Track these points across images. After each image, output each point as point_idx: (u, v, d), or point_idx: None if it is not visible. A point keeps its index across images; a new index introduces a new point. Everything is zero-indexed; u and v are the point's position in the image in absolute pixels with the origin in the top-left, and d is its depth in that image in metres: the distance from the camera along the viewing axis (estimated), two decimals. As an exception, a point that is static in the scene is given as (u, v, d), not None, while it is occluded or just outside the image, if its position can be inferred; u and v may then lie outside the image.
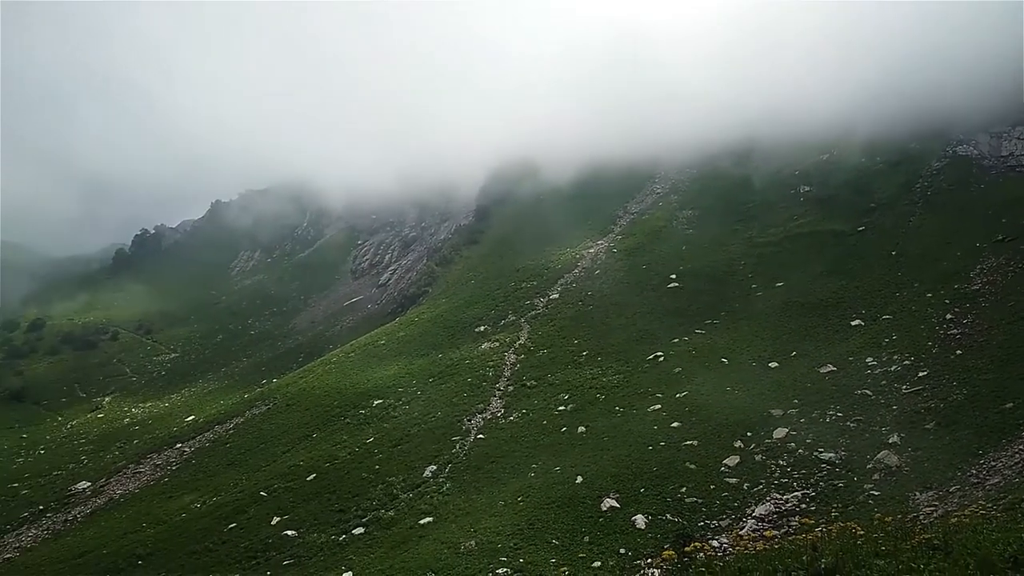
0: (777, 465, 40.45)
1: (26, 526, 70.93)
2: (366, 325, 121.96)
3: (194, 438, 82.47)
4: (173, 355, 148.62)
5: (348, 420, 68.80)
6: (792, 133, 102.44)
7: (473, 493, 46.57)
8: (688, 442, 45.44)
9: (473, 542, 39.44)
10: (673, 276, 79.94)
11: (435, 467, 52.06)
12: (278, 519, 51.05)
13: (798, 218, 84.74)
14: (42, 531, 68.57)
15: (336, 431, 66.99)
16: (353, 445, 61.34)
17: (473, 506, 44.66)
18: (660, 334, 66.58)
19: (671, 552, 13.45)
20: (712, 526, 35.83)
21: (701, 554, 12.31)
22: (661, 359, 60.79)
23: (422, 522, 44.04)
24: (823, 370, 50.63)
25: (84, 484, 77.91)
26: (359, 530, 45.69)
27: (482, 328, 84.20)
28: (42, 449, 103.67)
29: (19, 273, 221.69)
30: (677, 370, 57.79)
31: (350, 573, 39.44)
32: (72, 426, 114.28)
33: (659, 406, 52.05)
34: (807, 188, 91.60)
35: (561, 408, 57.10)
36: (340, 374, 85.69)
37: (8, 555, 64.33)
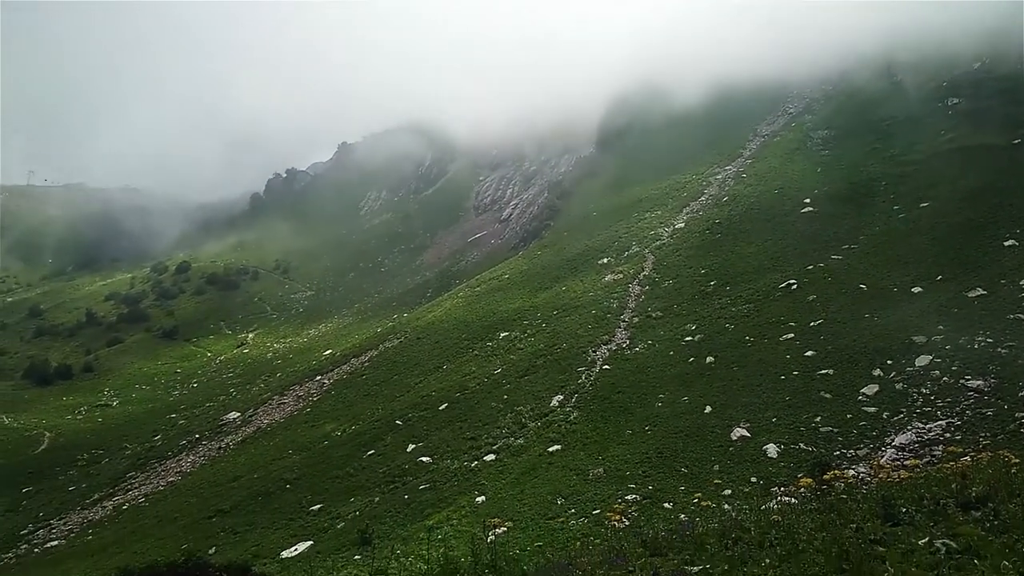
0: (919, 393, 38.54)
1: (185, 452, 77.35)
2: (490, 260, 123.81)
3: (332, 370, 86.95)
4: (309, 293, 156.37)
5: (476, 352, 70.49)
6: (938, 41, 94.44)
7: (600, 422, 46.96)
8: (823, 371, 43.93)
9: (601, 469, 39.95)
10: (807, 200, 76.36)
11: (562, 397, 52.70)
12: (413, 446, 53.32)
13: (946, 133, 78.61)
14: (199, 457, 74.58)
15: (465, 363, 68.85)
16: (482, 376, 62.92)
17: (600, 434, 45.08)
18: (793, 261, 64.07)
19: (809, 480, 13.13)
20: (849, 455, 34.74)
21: (840, 482, 11.92)
22: (794, 287, 58.63)
23: (550, 449, 44.87)
24: (971, 294, 47.41)
25: (234, 414, 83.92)
26: (490, 457, 47.08)
27: (605, 260, 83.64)
28: (195, 383, 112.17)
29: (168, 218, 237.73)
30: (811, 298, 55.61)
31: (483, 497, 40.80)
32: (220, 361, 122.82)
33: (792, 335, 50.41)
34: (956, 100, 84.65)
35: (688, 339, 56.29)
36: (467, 308, 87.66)
37: (171, 478, 70.52)
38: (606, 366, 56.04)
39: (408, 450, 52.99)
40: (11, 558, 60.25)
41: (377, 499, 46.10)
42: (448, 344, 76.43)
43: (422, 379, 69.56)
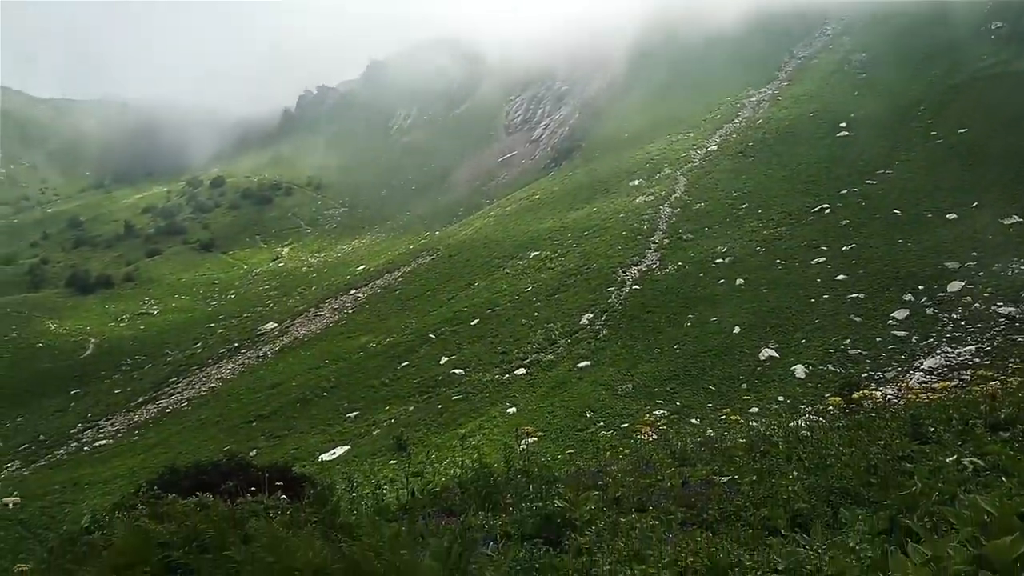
0: (950, 319, 38.53)
1: (224, 360, 79.71)
2: (521, 180, 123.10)
3: (366, 285, 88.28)
4: (341, 209, 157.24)
5: (507, 270, 71.04)
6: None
7: (629, 340, 47.59)
8: (854, 295, 43.90)
9: (630, 385, 40.78)
10: (843, 124, 74.56)
11: (591, 315, 53.28)
12: (446, 359, 54.57)
13: (987, 58, 75.59)
14: (238, 365, 76.86)
15: (496, 280, 69.52)
16: (512, 294, 63.62)
17: (629, 352, 45.78)
18: (827, 185, 63.10)
19: (837, 398, 13.49)
20: (877, 378, 35.08)
21: (868, 402, 12.25)
22: (827, 211, 57.93)
23: (580, 365, 45.74)
24: (1007, 221, 46.62)
25: (271, 325, 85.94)
26: (521, 371, 48.15)
27: (636, 182, 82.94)
28: (232, 294, 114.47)
29: (202, 134, 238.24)
30: (844, 222, 55.00)
31: (514, 408, 41.96)
32: (256, 273, 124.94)
33: (824, 259, 50.18)
34: (999, 25, 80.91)
35: (719, 261, 56.23)
36: (498, 227, 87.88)
37: (211, 384, 72.93)
38: (636, 286, 56.34)
39: (441, 363, 54.25)
40: (63, 455, 63.32)
41: (411, 408, 47.61)
42: (479, 262, 77.02)
43: (454, 295, 70.47)
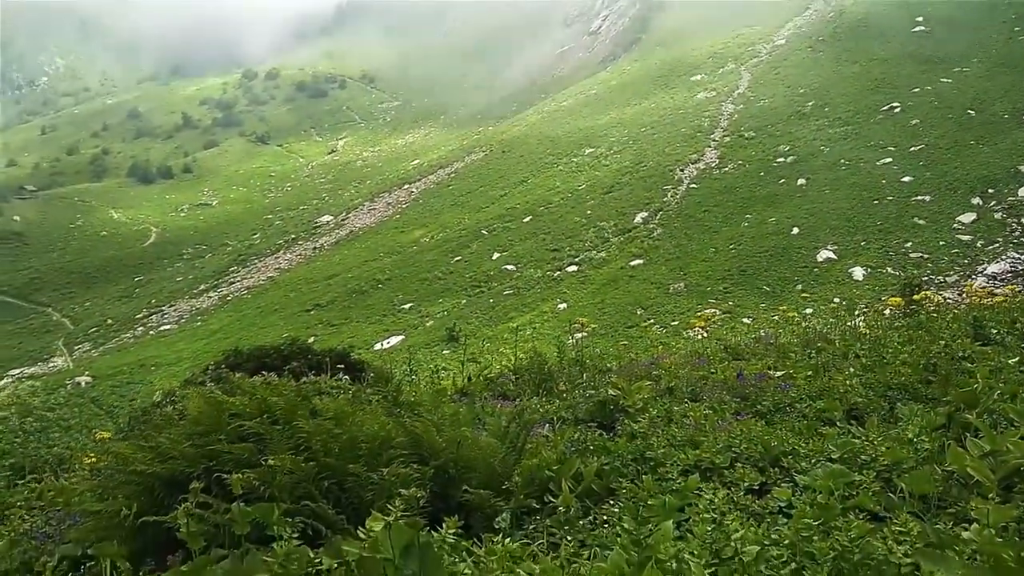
0: (1019, 224, 37.13)
1: (282, 251, 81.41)
2: (578, 74, 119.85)
3: (420, 180, 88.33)
4: (395, 103, 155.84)
5: (561, 167, 70.22)
6: None
7: (683, 239, 47.08)
8: (919, 197, 42.44)
9: (682, 284, 40.60)
10: (920, 19, 70.31)
11: (646, 214, 52.67)
12: (498, 255, 54.86)
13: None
14: (295, 256, 78.47)
15: (550, 177, 68.86)
16: (566, 191, 63.07)
17: (683, 251, 45.37)
18: (899, 83, 60.12)
19: (897, 299, 13.24)
20: (937, 281, 34.26)
21: (929, 303, 12.00)
22: (897, 110, 55.43)
23: (632, 263, 45.57)
24: (1090, 124, 44.13)
25: (328, 217, 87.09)
26: (572, 268, 48.24)
27: (698, 77, 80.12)
28: (289, 186, 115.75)
29: (259, 25, 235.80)
30: (914, 122, 52.66)
31: (564, 304, 42.28)
32: (312, 166, 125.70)
33: (890, 159, 48.35)
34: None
35: (780, 160, 54.64)
36: (553, 123, 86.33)
37: (270, 274, 74.78)
38: (693, 185, 55.29)
39: (493, 258, 54.59)
40: (129, 338, 66.24)
41: (464, 301, 48.33)
42: (533, 159, 76.15)
43: (506, 192, 70.17)
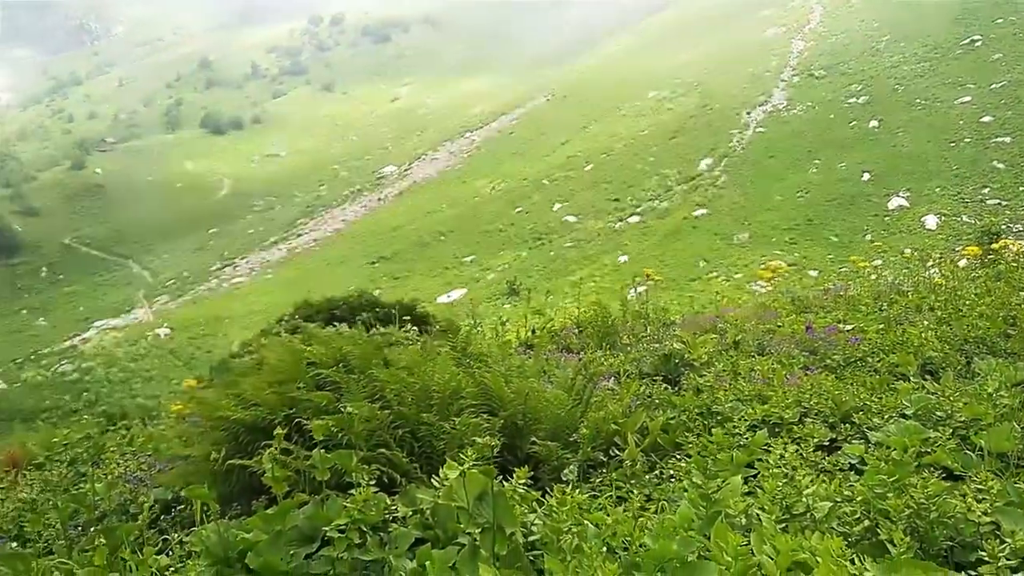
0: (1110, 168, 35.23)
1: (348, 203, 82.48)
2: (640, 14, 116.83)
3: (481, 128, 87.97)
4: (459, 47, 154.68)
5: (624, 112, 69.04)
6: None
7: (749, 187, 46.06)
8: (999, 139, 40.47)
9: (747, 234, 39.86)
10: (1008, -58, 66.09)
11: (711, 160, 51.59)
12: (559, 205, 54.58)
13: None
14: (360, 207, 79.43)
15: (612, 123, 67.82)
16: (628, 137, 62.08)
17: (748, 200, 44.42)
18: (980, 14, 56.92)
19: (975, 248, 12.77)
20: (1016, 229, 32.87)
21: (1009, 252, 11.54)
22: (978, 43, 52.59)
23: (695, 214, 44.84)
24: None
25: (391, 167, 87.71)
26: (634, 219, 47.73)
27: (767, 12, 77.32)
28: (354, 136, 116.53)
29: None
30: (996, 56, 49.92)
31: (626, 257, 41.99)
32: (376, 114, 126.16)
33: (969, 98, 46.09)
34: None
35: (852, 100, 52.63)
36: (616, 65, 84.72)
37: (336, 226, 76.00)
38: (760, 128, 53.81)
39: (554, 209, 54.34)
40: (204, 290, 68.39)
41: (524, 254, 48.41)
42: (595, 103, 74.99)
43: (568, 139, 69.43)
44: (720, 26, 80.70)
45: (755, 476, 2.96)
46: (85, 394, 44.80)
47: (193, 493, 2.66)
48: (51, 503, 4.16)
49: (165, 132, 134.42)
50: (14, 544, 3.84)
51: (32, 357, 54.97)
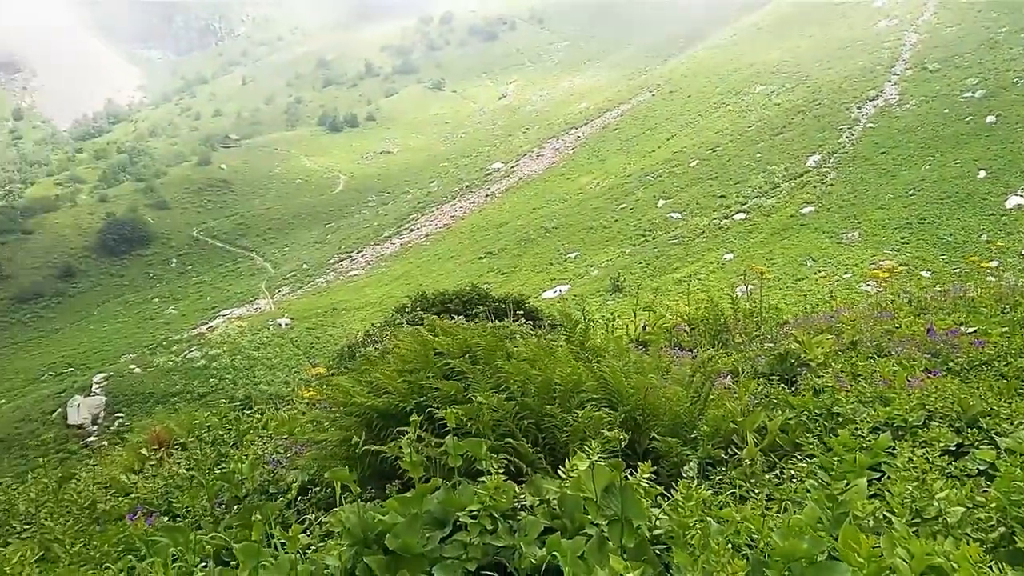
0: None
1: (457, 199, 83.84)
2: (747, 7, 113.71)
3: (586, 124, 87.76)
4: (564, 43, 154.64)
5: (730, 107, 67.53)
6: None
7: (859, 185, 44.24)
8: None
9: (856, 233, 38.33)
10: None
11: (819, 157, 49.83)
12: (663, 202, 53.90)
13: None
14: (468, 203, 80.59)
15: (718, 118, 66.44)
16: (734, 132, 60.69)
17: (858, 198, 42.67)
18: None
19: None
20: None
21: None
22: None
23: (803, 211, 43.44)
24: None
25: (498, 164, 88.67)
26: (739, 216, 46.63)
27: (879, 3, 73.93)
28: (462, 133, 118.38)
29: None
30: None
31: (731, 255, 41.08)
32: (484, 112, 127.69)
33: (1106, 89, 42.90)
34: None
35: (968, 95, 49.77)
36: (722, 58, 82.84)
37: (446, 221, 77.38)
38: (871, 124, 51.57)
39: (658, 206, 53.72)
40: (322, 282, 70.90)
41: (628, 251, 48.06)
42: (701, 98, 73.62)
43: (673, 135, 68.44)
44: (829, 19, 77.78)
45: (879, 479, 2.94)
46: (212, 380, 47.32)
47: (336, 475, 2.84)
48: (196, 481, 4.49)
49: (285, 129, 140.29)
50: (164, 518, 4.16)
51: (163, 344, 58.43)
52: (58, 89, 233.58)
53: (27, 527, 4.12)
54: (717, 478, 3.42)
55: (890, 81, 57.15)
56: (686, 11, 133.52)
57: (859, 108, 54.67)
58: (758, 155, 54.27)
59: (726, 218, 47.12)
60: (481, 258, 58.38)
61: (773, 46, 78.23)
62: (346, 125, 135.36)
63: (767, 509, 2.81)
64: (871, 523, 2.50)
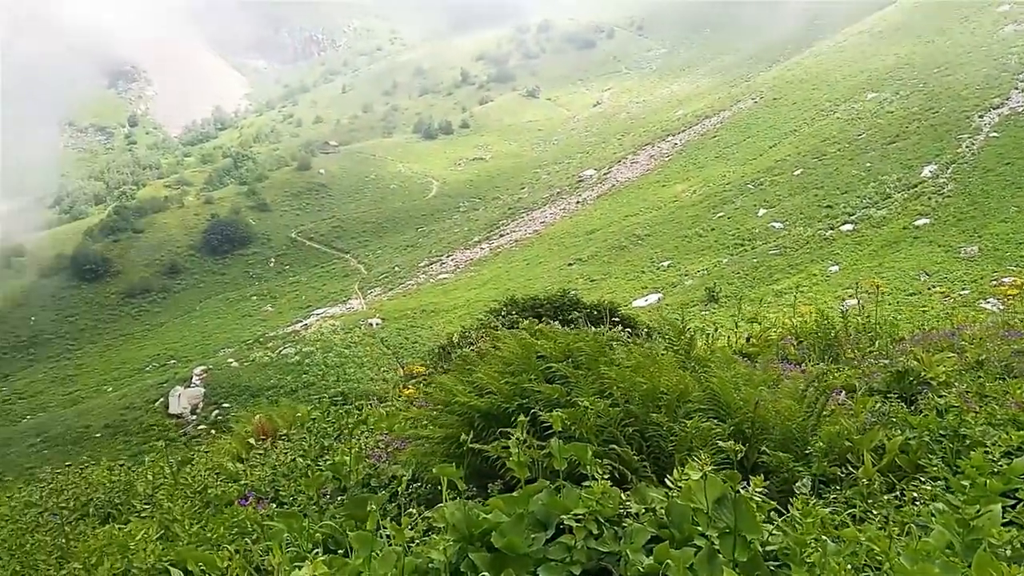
0: None
1: (547, 205, 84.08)
2: (859, 11, 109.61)
3: (683, 131, 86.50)
4: (663, 51, 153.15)
5: (839, 115, 65.27)
6: None
7: (979, 196, 41.93)
8: None
9: (976, 247, 36.35)
10: None
11: (935, 167, 47.53)
12: (764, 211, 52.52)
13: None
14: (559, 210, 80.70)
15: (825, 126, 64.34)
16: (843, 141, 58.60)
17: (978, 210, 40.45)
18: None
19: None
20: None
21: None
22: None
23: (916, 223, 41.50)
24: None
25: (591, 171, 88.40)
26: (847, 227, 44.95)
27: (1006, 7, 70.08)
28: (555, 140, 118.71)
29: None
30: None
31: (837, 267, 39.65)
32: (578, 119, 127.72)
33: None
34: None
35: (1113, 101, 46.60)
36: (831, 65, 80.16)
37: (535, 227, 77.69)
38: (994, 133, 48.86)
39: (759, 215, 52.40)
40: (412, 284, 72.35)
41: (724, 260, 47.02)
42: (807, 105, 71.42)
43: (776, 143, 66.66)
44: (949, 24, 74.15)
45: (1013, 506, 2.75)
46: (304, 376, 48.91)
47: (444, 471, 2.86)
48: (300, 471, 4.61)
49: (382, 136, 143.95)
50: (272, 505, 4.29)
51: (260, 340, 60.75)
52: (170, 97, 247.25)
53: (146, 507, 4.34)
54: (831, 497, 3.27)
55: (1017, 88, 54.10)
56: (791, 17, 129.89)
57: (981, 116, 51.94)
58: (868, 164, 52.24)
59: (832, 229, 45.51)
60: (570, 264, 58.25)
61: (886, 52, 75.23)
62: (440, 132, 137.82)
63: (890, 532, 2.66)
64: (1008, 552, 2.33)
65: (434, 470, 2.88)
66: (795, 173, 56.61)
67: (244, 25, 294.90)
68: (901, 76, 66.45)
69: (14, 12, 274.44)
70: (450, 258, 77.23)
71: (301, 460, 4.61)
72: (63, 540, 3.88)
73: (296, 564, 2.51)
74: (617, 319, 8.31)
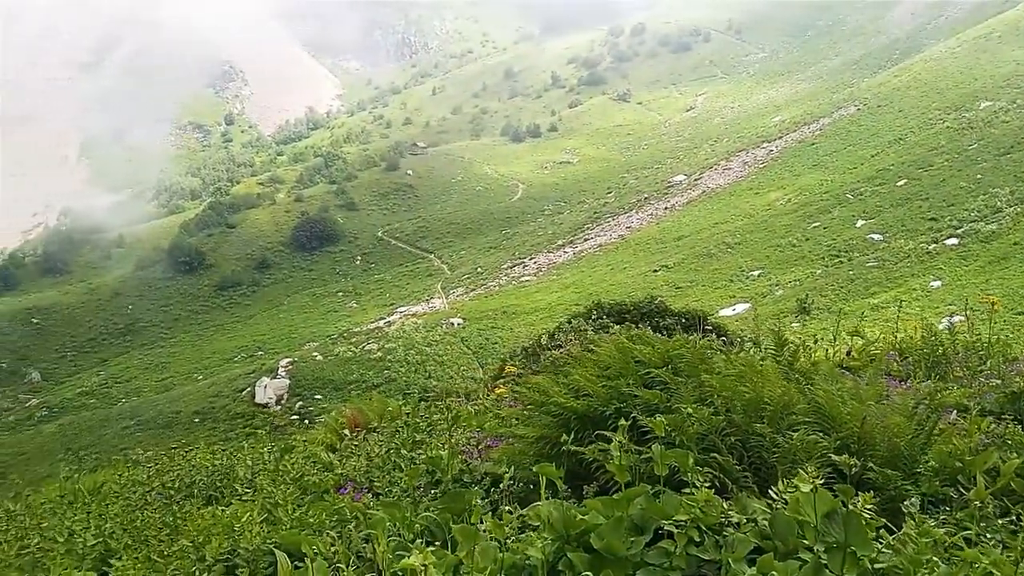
0: None
1: (634, 210, 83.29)
2: (974, 16, 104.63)
3: (780, 138, 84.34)
4: (761, 55, 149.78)
5: (948, 124, 62.45)
6: None
7: (1104, 213, 39.46)
8: None
9: (1097, 266, 34.20)
10: None
11: (1054, 180, 44.95)
12: (863, 222, 50.69)
13: None
14: (646, 215, 79.82)
15: (933, 135, 61.65)
16: (952, 151, 56.00)
17: (1102, 227, 38.07)
18: None
19: None
20: None
21: None
22: None
23: (1031, 239, 39.29)
24: None
25: (680, 177, 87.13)
26: (952, 241, 42.91)
27: None
28: (645, 144, 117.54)
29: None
30: None
31: (939, 283, 37.89)
32: (669, 124, 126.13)
33: None
34: None
35: None
36: (941, 72, 76.76)
37: (621, 232, 77.06)
38: (1125, 146, 45.89)
39: (857, 225, 50.60)
40: (494, 286, 72.82)
41: (819, 272, 45.60)
42: (914, 114, 68.59)
43: (879, 152, 64.24)
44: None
45: None
46: (386, 371, 49.90)
47: (543, 470, 2.88)
48: (396, 463, 4.71)
49: (470, 138, 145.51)
50: (368, 495, 4.39)
51: (344, 335, 62.26)
52: (265, 97, 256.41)
53: (247, 491, 4.51)
54: (940, 518, 3.14)
55: None
56: (900, 21, 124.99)
57: (1109, 127, 48.94)
58: (979, 176, 49.75)
59: (935, 243, 43.52)
60: (655, 271, 57.50)
61: (1004, 59, 71.53)
62: (528, 135, 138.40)
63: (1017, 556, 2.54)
64: None
65: (534, 469, 2.91)
66: (898, 183, 54.42)
67: (339, 27, 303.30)
68: (1019, 84, 63.14)
69: (120, 15, 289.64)
70: (532, 261, 77.39)
71: (404, 452, 4.69)
72: (171, 518, 4.08)
73: (399, 553, 2.57)
74: (709, 327, 8.17)
